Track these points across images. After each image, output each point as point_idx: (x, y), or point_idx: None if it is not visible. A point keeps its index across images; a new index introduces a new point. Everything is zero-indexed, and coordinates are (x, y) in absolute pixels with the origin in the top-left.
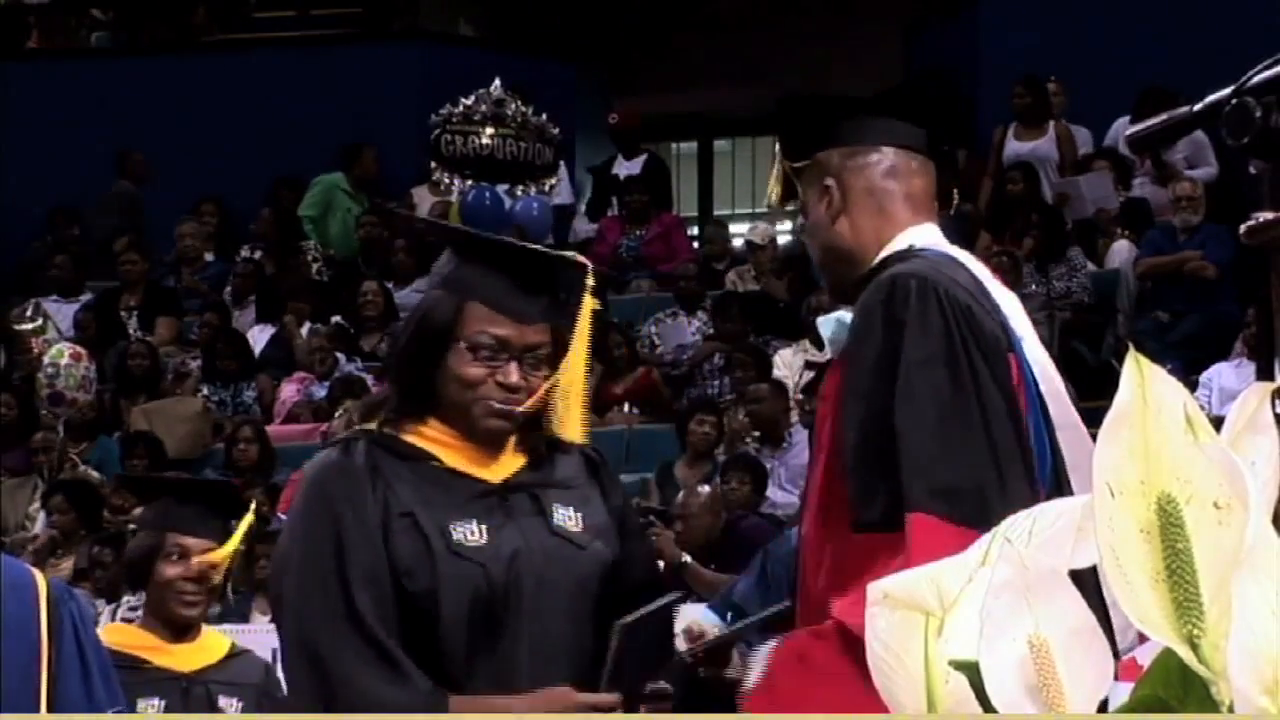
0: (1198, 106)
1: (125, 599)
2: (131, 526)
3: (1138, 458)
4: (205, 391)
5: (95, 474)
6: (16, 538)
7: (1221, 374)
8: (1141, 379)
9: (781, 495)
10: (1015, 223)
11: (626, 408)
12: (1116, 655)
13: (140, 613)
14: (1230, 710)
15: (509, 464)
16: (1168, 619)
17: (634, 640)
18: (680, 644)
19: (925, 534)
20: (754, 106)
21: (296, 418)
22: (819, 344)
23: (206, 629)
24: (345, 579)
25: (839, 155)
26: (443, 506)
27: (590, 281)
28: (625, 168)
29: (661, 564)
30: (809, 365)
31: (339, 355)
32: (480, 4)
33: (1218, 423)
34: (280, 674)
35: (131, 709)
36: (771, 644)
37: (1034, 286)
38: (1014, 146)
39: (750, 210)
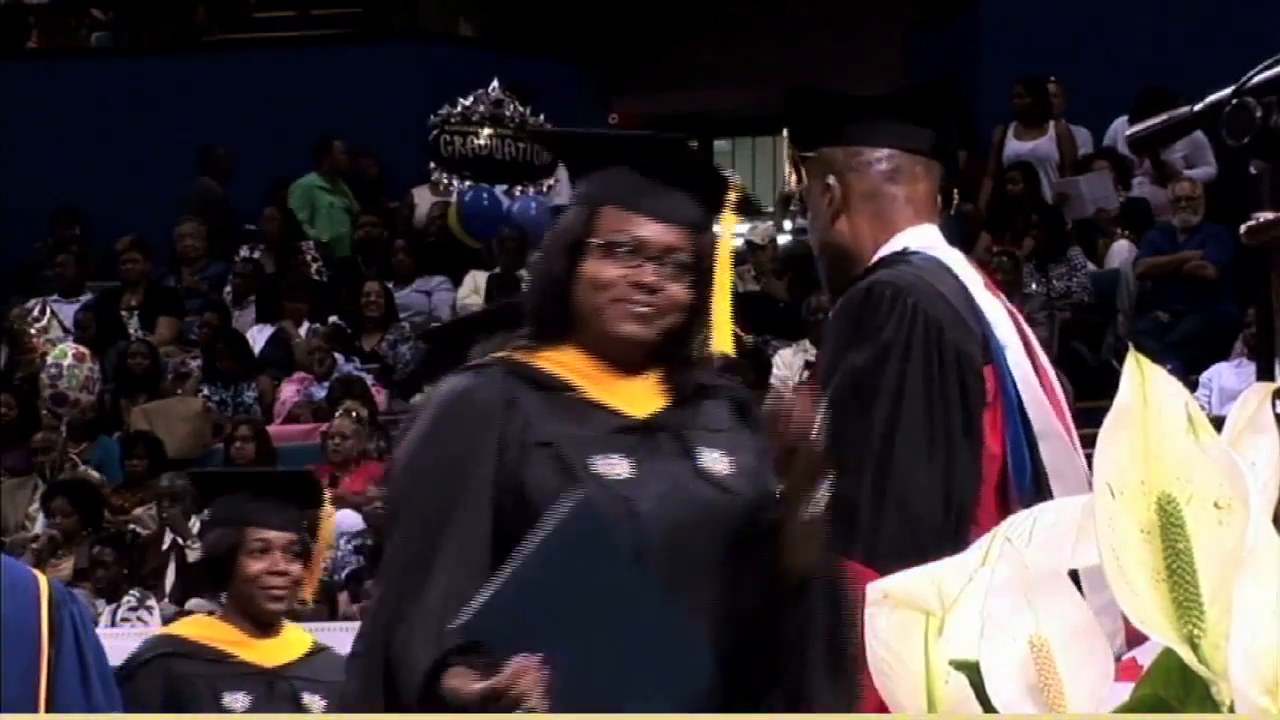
0: (1198, 106)
1: (125, 599)
2: (132, 527)
3: (1138, 458)
4: (205, 391)
5: (95, 474)
6: (16, 538)
7: (1221, 374)
8: (1142, 379)
9: None
10: (1015, 223)
11: None
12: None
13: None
14: (1230, 710)
15: (653, 400)
16: (1168, 619)
17: None
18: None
19: None
20: (754, 106)
21: (297, 418)
22: (819, 344)
23: (288, 625)
24: (444, 520)
25: (843, 154)
26: (583, 439)
27: (733, 196)
28: None
29: None
30: (809, 365)
31: (338, 355)
32: (480, 4)
33: (1218, 423)
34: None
35: (216, 703)
36: None
37: (1034, 286)
38: (1014, 146)
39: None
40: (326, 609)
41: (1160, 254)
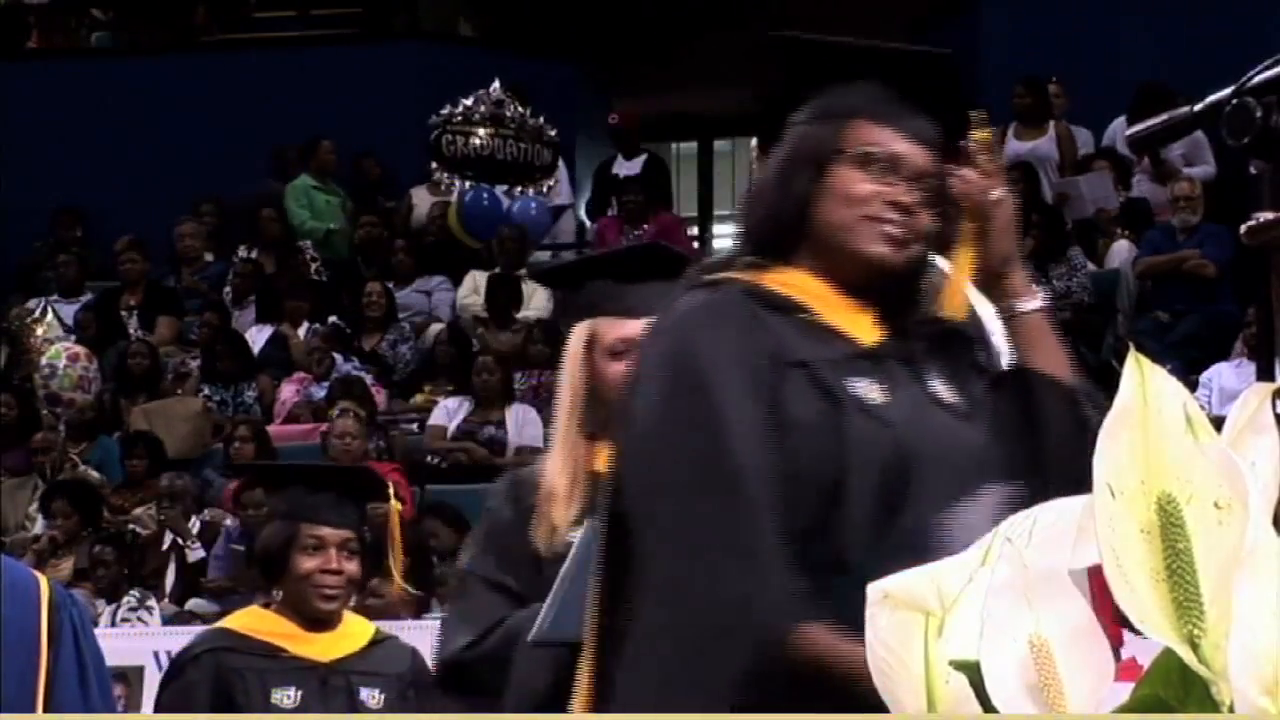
0: (1198, 106)
1: (125, 599)
2: (132, 527)
3: (1138, 458)
4: (205, 391)
5: (95, 474)
6: (16, 538)
7: (1221, 374)
8: (1142, 379)
9: None
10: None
11: None
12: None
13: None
14: (1230, 710)
15: (880, 328)
16: (1168, 619)
17: None
18: None
19: None
20: (754, 106)
21: (296, 418)
22: None
23: (348, 616)
24: (728, 446)
25: None
26: (833, 361)
27: (983, 131)
28: (625, 168)
29: None
30: None
31: (337, 355)
32: (480, 4)
33: (1218, 423)
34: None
35: (265, 699)
36: None
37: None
38: (1014, 146)
39: None
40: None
41: (1159, 254)
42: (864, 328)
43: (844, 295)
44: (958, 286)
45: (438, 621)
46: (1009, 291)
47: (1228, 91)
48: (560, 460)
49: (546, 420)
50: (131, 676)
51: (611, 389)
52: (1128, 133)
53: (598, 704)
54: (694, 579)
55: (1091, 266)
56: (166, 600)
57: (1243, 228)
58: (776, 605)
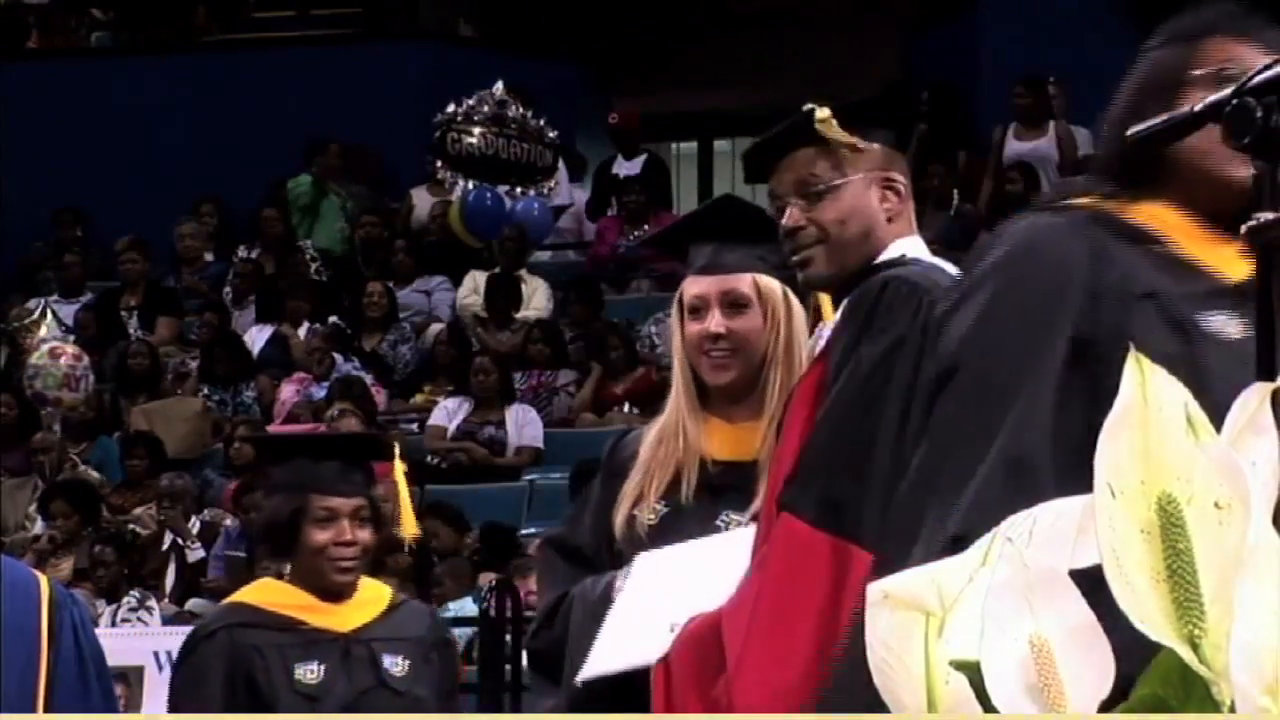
0: (1198, 107)
1: (125, 599)
2: (132, 527)
3: (1138, 458)
4: (205, 391)
5: (95, 474)
6: (16, 538)
7: None
8: (1142, 379)
9: None
10: None
11: (626, 408)
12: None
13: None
14: (1231, 710)
15: (1243, 263)
16: (1169, 619)
17: None
18: None
19: (786, 534)
20: (754, 106)
21: (296, 418)
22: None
23: (363, 581)
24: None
25: (890, 154)
26: (1187, 294)
27: None
28: (625, 168)
29: None
30: None
31: (336, 355)
32: (480, 4)
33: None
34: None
35: (288, 676)
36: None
37: None
38: (1014, 146)
39: None
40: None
41: None
42: (1227, 261)
43: (1206, 228)
44: None
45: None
46: None
47: (1228, 91)
48: (660, 431)
49: (546, 420)
50: (131, 676)
51: (691, 350)
52: (1128, 133)
53: None
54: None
55: None
56: (166, 600)
57: (1243, 228)
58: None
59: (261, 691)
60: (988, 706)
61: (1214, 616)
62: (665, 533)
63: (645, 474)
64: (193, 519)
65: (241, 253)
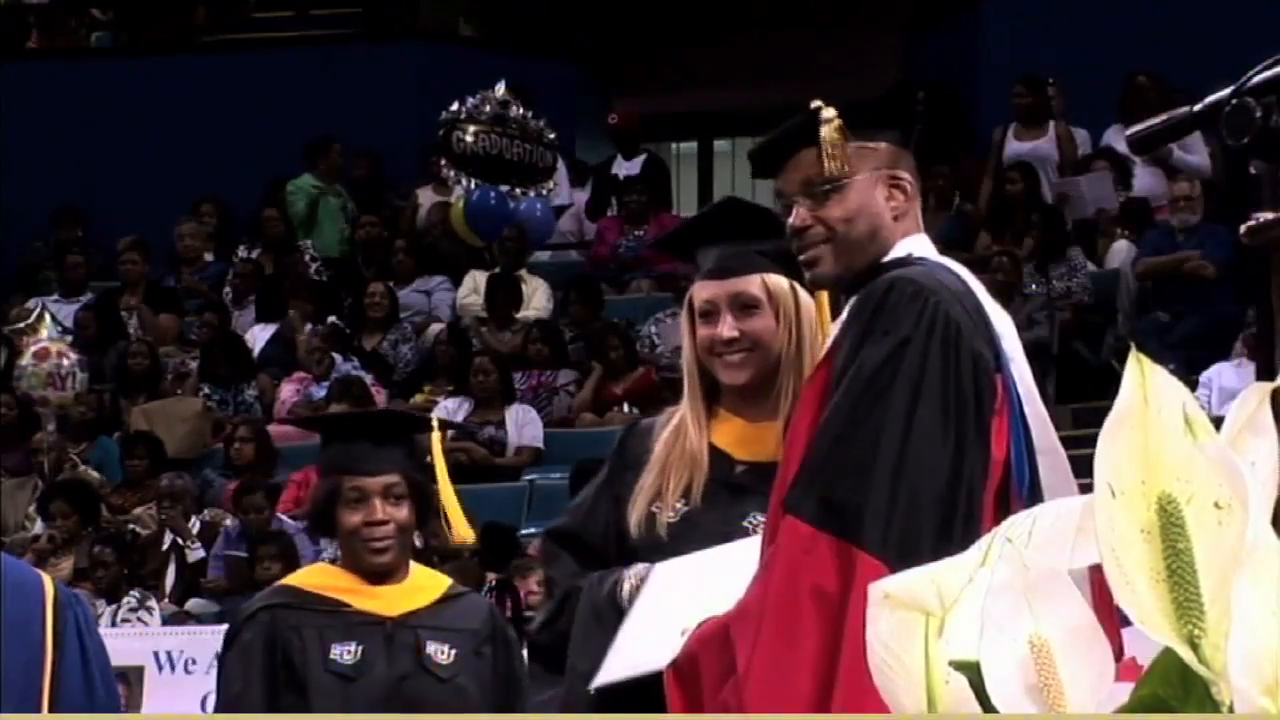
0: (1198, 107)
1: (125, 599)
2: (132, 527)
3: (1139, 458)
4: (205, 391)
5: (95, 474)
6: (16, 538)
7: (1221, 374)
8: (1143, 379)
9: None
10: (1015, 223)
11: (626, 408)
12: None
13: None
14: (1230, 710)
15: None
16: (1168, 619)
17: None
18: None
19: (791, 537)
20: (754, 106)
21: None
22: None
23: (418, 568)
24: None
25: (905, 156)
26: None
27: None
28: (624, 168)
29: None
30: None
31: (336, 356)
32: (480, 4)
33: (1218, 423)
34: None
35: (324, 656)
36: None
37: (1034, 286)
38: (1014, 146)
39: None
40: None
41: (1159, 254)
42: None
43: None
44: None
45: None
46: None
47: (1228, 91)
48: (674, 429)
49: (546, 420)
50: (131, 676)
51: (704, 353)
52: (1128, 133)
53: None
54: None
55: (1091, 266)
56: (166, 600)
57: (1243, 228)
58: None
59: (296, 671)
60: (988, 706)
61: (1214, 616)
62: (687, 531)
63: (662, 471)
64: (193, 519)
65: (241, 253)
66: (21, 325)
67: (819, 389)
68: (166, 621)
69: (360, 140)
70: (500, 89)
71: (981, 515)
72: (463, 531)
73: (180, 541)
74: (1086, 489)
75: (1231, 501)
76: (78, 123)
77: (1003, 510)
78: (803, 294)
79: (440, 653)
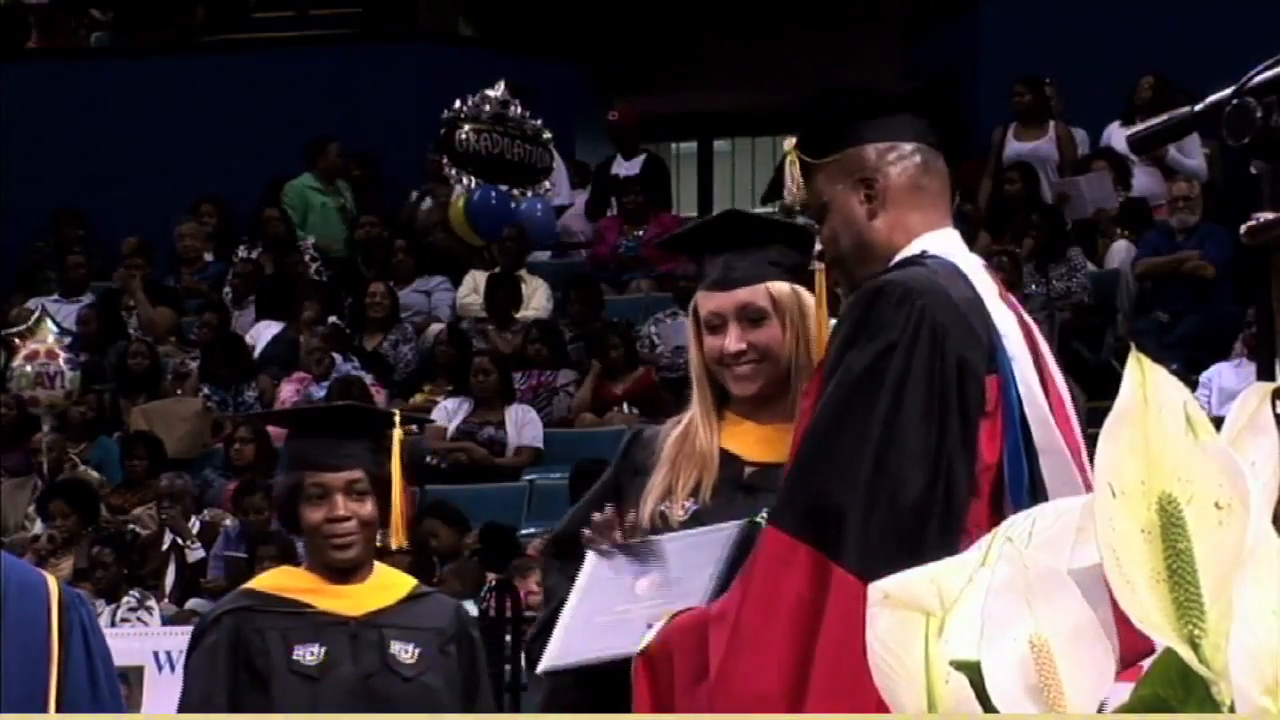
0: (1198, 107)
1: (125, 599)
2: (132, 527)
3: (1139, 458)
4: (205, 391)
5: (95, 474)
6: (16, 538)
7: (1221, 374)
8: (1143, 379)
9: None
10: (1015, 223)
11: (625, 408)
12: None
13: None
14: (1230, 710)
15: None
16: (1168, 619)
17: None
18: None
19: (770, 547)
20: (754, 106)
21: None
22: None
23: (382, 567)
24: None
25: (875, 150)
26: None
27: None
28: (624, 168)
29: None
30: None
31: (336, 356)
32: (480, 4)
33: (1218, 423)
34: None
35: (287, 658)
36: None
37: (1034, 286)
38: (1014, 146)
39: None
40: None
41: (1158, 254)
42: None
43: None
44: None
45: None
46: None
47: (1228, 92)
48: (684, 431)
49: (546, 420)
50: (131, 676)
51: (712, 364)
52: (1128, 133)
53: None
54: None
55: (1091, 266)
56: (166, 600)
57: (1243, 228)
58: None
59: (259, 673)
60: (988, 706)
61: (1214, 617)
62: None
63: (671, 469)
64: (193, 519)
65: (241, 253)
66: (22, 328)
67: (814, 396)
68: (166, 622)
69: (360, 140)
70: (500, 88)
71: (964, 522)
72: (399, 537)
73: (180, 541)
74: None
75: (1232, 501)
76: (78, 123)
77: (997, 515)
78: (807, 297)
79: (405, 652)
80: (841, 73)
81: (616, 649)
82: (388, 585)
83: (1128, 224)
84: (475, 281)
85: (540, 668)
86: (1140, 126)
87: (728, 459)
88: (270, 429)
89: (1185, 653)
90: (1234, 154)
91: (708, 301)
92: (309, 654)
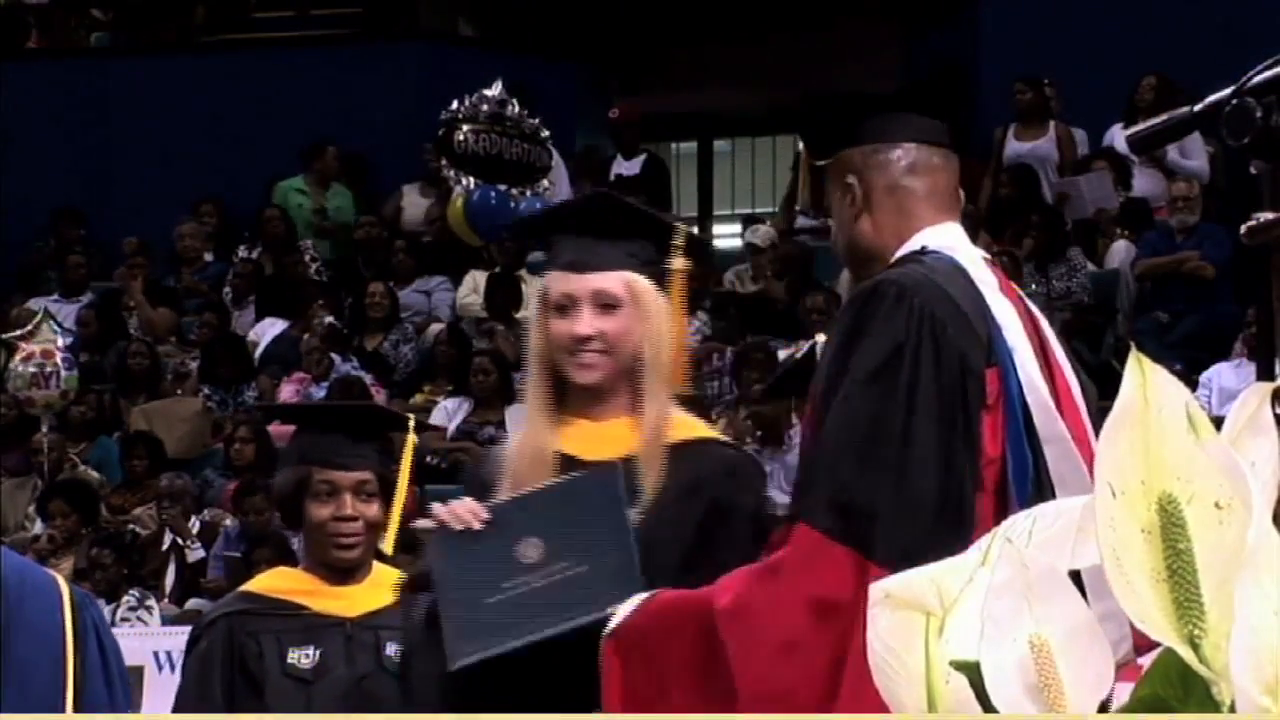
0: (1198, 107)
1: (125, 599)
2: (132, 527)
3: (1139, 457)
4: (205, 391)
5: (95, 474)
6: (16, 538)
7: (1221, 374)
8: (1143, 379)
9: (782, 496)
10: (1015, 223)
11: None
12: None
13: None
14: (1231, 710)
15: None
16: (1169, 619)
17: None
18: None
19: (803, 545)
20: (754, 106)
21: None
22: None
23: (378, 567)
24: None
25: (860, 153)
26: None
27: None
28: (624, 168)
29: None
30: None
31: (336, 356)
32: (480, 4)
33: (1218, 423)
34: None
35: (282, 661)
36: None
37: (1034, 286)
38: (1014, 146)
39: (750, 210)
40: None
41: (1158, 254)
42: None
43: None
44: None
45: None
46: None
47: (1228, 91)
48: (521, 438)
49: None
50: (131, 676)
51: (556, 349)
52: (1127, 133)
53: None
54: None
55: (1091, 266)
56: (166, 600)
57: (1243, 228)
58: None
59: (253, 677)
60: (988, 706)
61: (1214, 616)
62: None
63: (514, 481)
64: (192, 519)
65: (241, 253)
66: (24, 330)
67: (815, 396)
68: (166, 622)
69: (360, 140)
70: (497, 88)
71: (974, 516)
72: (388, 544)
73: (180, 542)
74: None
75: (1232, 501)
76: (78, 123)
77: (1002, 507)
78: (661, 296)
79: (398, 652)
80: (842, 74)
81: (542, 629)
82: (384, 585)
83: (1128, 224)
84: (475, 281)
85: (457, 664)
86: (1140, 126)
87: (565, 461)
88: (271, 429)
89: (1185, 652)
90: (1234, 154)
91: (561, 283)
92: (303, 657)
